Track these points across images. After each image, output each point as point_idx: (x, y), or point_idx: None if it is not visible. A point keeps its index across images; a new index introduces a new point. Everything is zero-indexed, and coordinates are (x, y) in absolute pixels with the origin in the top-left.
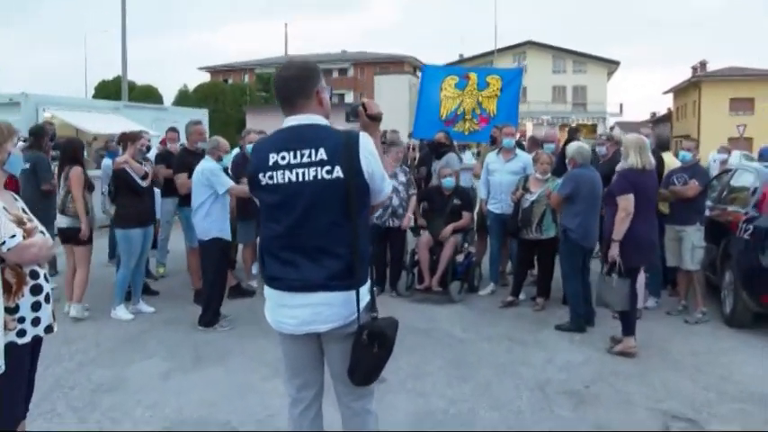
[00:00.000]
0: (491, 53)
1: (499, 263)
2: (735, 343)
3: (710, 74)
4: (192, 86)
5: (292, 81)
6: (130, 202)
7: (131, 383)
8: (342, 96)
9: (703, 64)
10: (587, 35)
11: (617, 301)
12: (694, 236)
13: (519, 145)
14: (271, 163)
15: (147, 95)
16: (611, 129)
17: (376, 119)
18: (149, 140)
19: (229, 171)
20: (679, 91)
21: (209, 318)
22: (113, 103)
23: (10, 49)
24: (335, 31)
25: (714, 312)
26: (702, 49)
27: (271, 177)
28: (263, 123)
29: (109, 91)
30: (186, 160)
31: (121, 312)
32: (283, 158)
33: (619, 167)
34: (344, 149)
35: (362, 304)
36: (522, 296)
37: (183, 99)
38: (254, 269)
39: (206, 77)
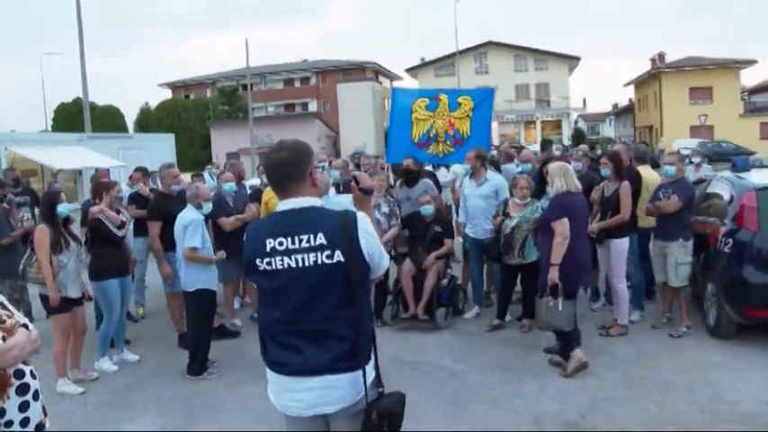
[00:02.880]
0: (453, 55)
1: (481, 286)
2: (722, 356)
3: (669, 65)
4: (153, 104)
5: (285, 165)
6: (106, 253)
7: None
8: (305, 105)
9: (661, 55)
10: (546, 31)
11: (567, 322)
12: (678, 252)
13: (493, 162)
14: (268, 249)
15: (109, 116)
16: (576, 123)
17: (368, 192)
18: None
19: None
20: (639, 83)
21: (198, 367)
22: (77, 136)
23: None
24: (295, 39)
25: (697, 323)
26: (661, 38)
27: (269, 263)
28: (227, 138)
29: (68, 113)
30: (161, 205)
31: (106, 365)
32: (281, 244)
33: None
34: (343, 233)
35: (368, 381)
36: (508, 317)
37: (146, 117)
38: (236, 304)
39: (167, 94)
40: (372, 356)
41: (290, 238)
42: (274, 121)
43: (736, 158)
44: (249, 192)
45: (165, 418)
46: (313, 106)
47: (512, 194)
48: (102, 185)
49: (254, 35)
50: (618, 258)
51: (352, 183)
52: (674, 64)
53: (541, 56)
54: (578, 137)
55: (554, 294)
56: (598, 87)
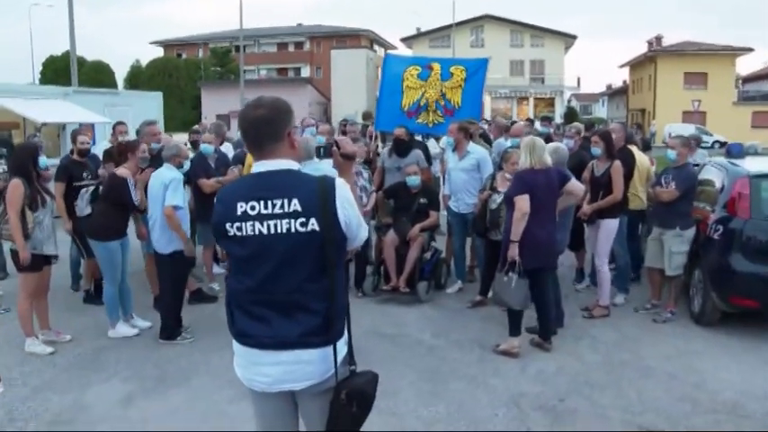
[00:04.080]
0: (449, 27)
1: (464, 260)
2: (705, 344)
3: (666, 48)
4: (144, 62)
5: (262, 123)
6: (116, 213)
7: (92, 412)
8: (298, 70)
9: (659, 38)
10: (544, 6)
11: (517, 301)
12: (673, 241)
13: (483, 135)
14: (239, 213)
15: (98, 72)
16: (569, 101)
17: (350, 157)
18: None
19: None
20: (635, 65)
21: (171, 331)
22: (62, 89)
23: None
24: (291, 2)
25: (681, 309)
26: (659, 21)
27: (239, 228)
28: (218, 99)
29: (57, 66)
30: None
31: (123, 329)
32: (253, 208)
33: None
34: (320, 199)
35: (340, 358)
36: (490, 293)
37: (136, 75)
38: (216, 269)
39: (159, 52)
40: (346, 332)
41: (262, 203)
42: (266, 84)
43: (730, 144)
44: (233, 154)
45: (133, 382)
46: (306, 71)
47: (501, 168)
48: (127, 146)
49: None
50: (606, 238)
51: (334, 147)
52: (670, 47)
53: (538, 32)
54: (571, 116)
55: (509, 271)
56: (593, 67)
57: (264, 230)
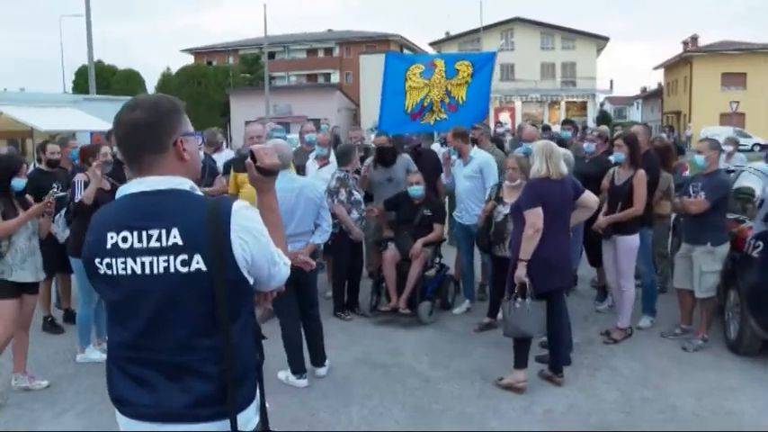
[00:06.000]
0: (477, 30)
1: (473, 277)
2: (742, 378)
3: (702, 49)
4: (175, 69)
5: (137, 129)
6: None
7: None
8: (328, 76)
9: (694, 38)
10: (576, 10)
11: (535, 327)
12: (703, 259)
13: (496, 140)
14: (109, 246)
15: (129, 80)
16: (602, 105)
17: (269, 173)
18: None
19: None
20: (669, 66)
21: None
22: (72, 97)
23: None
24: (321, 8)
25: (716, 334)
26: (693, 21)
27: (109, 266)
28: (247, 106)
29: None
30: (116, 173)
31: (94, 354)
32: (125, 240)
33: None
34: (209, 229)
35: None
36: (500, 315)
37: (167, 82)
38: None
39: (189, 60)
40: (257, 397)
41: (136, 234)
42: (295, 90)
43: None
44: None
45: (86, 419)
46: (336, 77)
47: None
48: (88, 150)
49: (279, 3)
50: (626, 256)
51: (248, 160)
52: (706, 48)
53: (569, 34)
54: (603, 119)
55: (522, 295)
56: (627, 69)
57: (138, 269)
